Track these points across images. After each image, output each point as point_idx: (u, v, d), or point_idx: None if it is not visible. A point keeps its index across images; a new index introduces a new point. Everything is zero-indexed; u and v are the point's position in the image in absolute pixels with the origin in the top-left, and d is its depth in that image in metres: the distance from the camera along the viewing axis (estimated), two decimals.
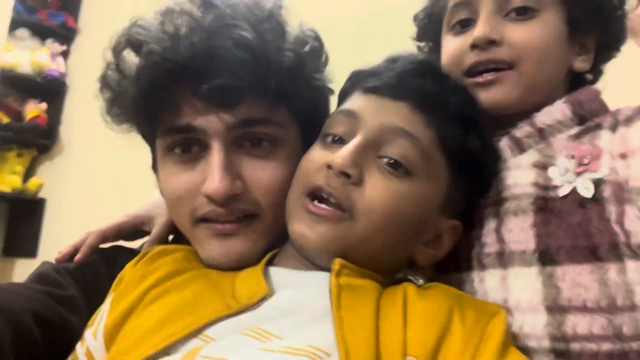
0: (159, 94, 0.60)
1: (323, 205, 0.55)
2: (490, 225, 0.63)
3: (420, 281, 0.63)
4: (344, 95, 0.64)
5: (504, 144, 0.66)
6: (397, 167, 0.56)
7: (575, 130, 0.64)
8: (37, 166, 2.90)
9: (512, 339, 0.57)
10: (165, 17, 0.60)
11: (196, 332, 0.51)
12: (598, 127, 0.62)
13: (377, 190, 0.55)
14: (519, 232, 0.60)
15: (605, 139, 0.60)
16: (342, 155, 0.55)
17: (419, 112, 0.57)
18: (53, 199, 2.73)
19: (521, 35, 0.64)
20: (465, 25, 0.68)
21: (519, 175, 0.63)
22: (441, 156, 0.58)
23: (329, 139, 0.60)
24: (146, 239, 0.76)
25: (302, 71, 0.63)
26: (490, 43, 0.64)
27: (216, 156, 0.60)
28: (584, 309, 0.55)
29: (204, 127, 0.60)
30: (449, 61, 0.69)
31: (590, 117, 0.64)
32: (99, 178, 2.39)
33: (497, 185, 0.65)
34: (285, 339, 0.49)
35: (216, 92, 0.58)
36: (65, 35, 2.93)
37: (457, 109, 0.59)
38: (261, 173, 0.62)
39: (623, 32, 0.70)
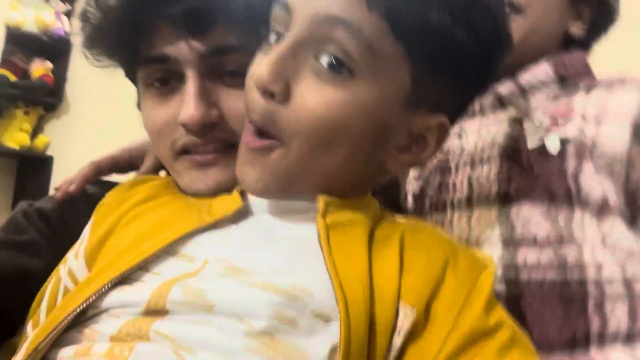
0: (130, 24, 0.61)
1: (252, 139, 0.49)
2: (464, 173, 0.69)
3: None
4: None
5: (488, 100, 0.71)
6: (336, 68, 0.46)
7: (555, 89, 0.68)
8: (44, 124, 2.94)
9: None
10: None
11: (170, 249, 0.50)
12: (575, 87, 0.67)
13: (305, 104, 0.46)
14: (485, 178, 0.66)
15: (578, 99, 0.65)
16: (262, 67, 0.46)
17: None
18: (60, 157, 2.78)
19: None
20: None
21: (495, 128, 0.69)
22: (394, 44, 0.46)
23: (273, 38, 0.50)
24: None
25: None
26: None
27: (190, 85, 0.60)
28: (534, 242, 0.61)
29: (177, 56, 0.60)
30: None
31: (571, 79, 0.68)
32: (105, 135, 2.41)
33: (475, 137, 0.71)
34: (266, 274, 0.47)
35: (185, 17, 0.58)
36: None
37: None
38: (238, 102, 0.60)
39: (616, 12, 0.74)
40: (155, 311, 0.45)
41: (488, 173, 0.67)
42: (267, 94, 0.47)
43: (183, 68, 0.60)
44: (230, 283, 0.46)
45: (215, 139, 0.62)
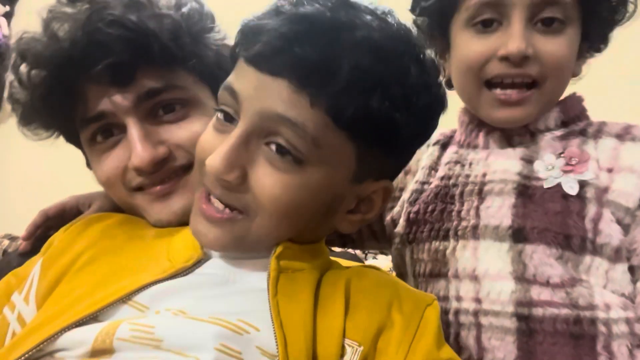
0: (59, 94, 0.63)
1: (215, 207, 0.52)
2: (471, 202, 0.68)
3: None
4: (233, 59, 0.55)
5: (495, 137, 0.71)
6: (285, 157, 0.49)
7: (559, 132, 0.69)
8: None
9: (478, 304, 0.64)
10: (44, 23, 0.63)
11: (126, 298, 0.51)
12: (583, 133, 0.69)
13: (264, 186, 0.49)
14: (497, 209, 0.66)
15: (591, 146, 0.66)
16: (217, 159, 0.49)
17: (301, 91, 0.47)
18: None
19: (552, 50, 0.64)
20: (487, 25, 0.65)
21: (505, 163, 0.69)
22: (338, 133, 0.49)
23: (221, 115, 0.53)
24: None
25: (186, 32, 0.65)
26: (523, 59, 0.63)
27: (133, 130, 0.63)
28: (547, 284, 0.62)
29: (113, 110, 0.63)
30: (469, 64, 0.67)
31: (572, 122, 0.70)
32: (44, 144, 2.31)
33: (483, 169, 0.70)
34: (215, 312, 0.48)
35: (107, 74, 0.61)
36: None
37: (350, 74, 0.47)
38: (181, 133, 0.64)
39: (607, 41, 0.72)
40: (102, 350, 0.46)
41: (500, 206, 0.66)
42: (224, 182, 0.50)
43: (122, 118, 0.63)
44: (179, 319, 0.48)
45: (169, 171, 0.64)
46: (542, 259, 0.62)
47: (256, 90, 0.49)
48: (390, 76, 0.49)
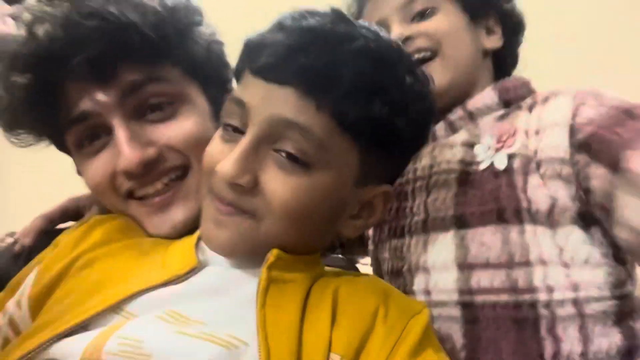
0: (41, 95, 0.61)
1: (225, 209, 0.53)
2: (421, 197, 0.71)
3: None
4: (238, 73, 0.58)
5: (439, 126, 0.75)
6: (293, 161, 0.52)
7: (500, 112, 0.72)
8: None
9: (428, 295, 0.65)
10: (18, 22, 0.61)
11: (116, 307, 0.51)
12: (518, 107, 0.71)
13: (275, 190, 0.52)
14: (442, 201, 0.68)
15: (522, 118, 0.69)
16: (228, 165, 0.51)
17: (308, 97, 0.51)
18: None
19: (431, 25, 0.73)
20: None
21: (448, 153, 0.72)
22: (342, 136, 0.53)
23: (229, 129, 0.55)
24: None
25: (172, 25, 0.63)
26: (407, 39, 0.72)
27: (119, 131, 0.60)
28: (486, 265, 0.63)
29: (96, 108, 0.60)
30: None
31: (515, 101, 0.73)
32: (41, 152, 2.31)
33: (429, 161, 0.73)
34: (205, 324, 0.49)
35: (87, 69, 0.58)
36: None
37: (352, 80, 0.51)
38: (170, 132, 0.62)
39: (519, 16, 0.80)
40: None
41: (444, 197, 0.68)
42: (236, 187, 0.51)
43: (107, 118, 0.61)
44: (168, 332, 0.48)
45: (161, 174, 0.62)
46: (481, 240, 0.63)
47: (264, 98, 0.52)
48: (389, 83, 0.53)
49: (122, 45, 0.59)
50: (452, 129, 0.74)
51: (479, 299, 0.62)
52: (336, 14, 0.55)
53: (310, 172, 0.52)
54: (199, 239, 0.59)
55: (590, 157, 0.61)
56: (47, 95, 0.61)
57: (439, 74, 0.70)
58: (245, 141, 0.52)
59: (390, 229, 0.73)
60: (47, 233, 0.72)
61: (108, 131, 0.62)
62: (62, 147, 0.68)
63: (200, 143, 0.61)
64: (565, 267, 0.61)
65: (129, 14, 0.59)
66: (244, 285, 0.54)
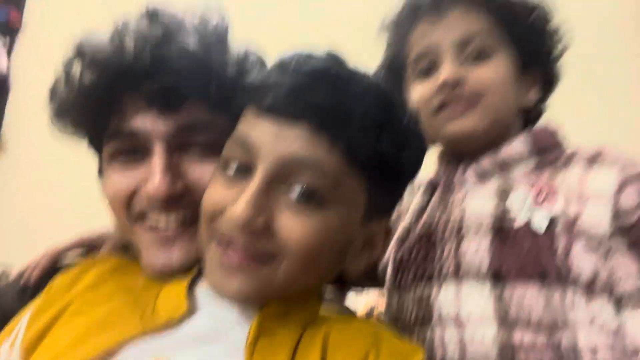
0: (102, 100, 0.62)
1: (237, 254, 0.52)
2: (451, 244, 0.70)
3: None
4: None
5: (470, 173, 0.74)
6: (307, 199, 0.52)
7: (533, 163, 0.72)
8: None
9: (463, 349, 0.63)
10: (114, 33, 0.63)
11: (107, 355, 0.50)
12: (554, 163, 0.71)
13: (291, 229, 0.51)
14: (475, 252, 0.67)
15: (560, 177, 0.68)
16: (240, 207, 0.50)
17: (321, 133, 0.51)
18: None
19: (481, 74, 0.73)
20: (427, 73, 0.76)
21: (480, 202, 0.71)
22: (353, 172, 0.53)
23: (230, 171, 0.55)
24: None
25: (242, 82, 0.64)
26: (456, 83, 0.72)
27: (157, 158, 0.61)
28: (528, 324, 0.62)
29: (147, 130, 0.62)
30: (419, 103, 0.76)
31: (546, 152, 0.73)
32: (43, 180, 2.31)
33: (459, 209, 0.72)
34: None
35: (157, 94, 0.60)
36: (9, 31, 2.81)
37: (363, 117, 0.52)
38: (203, 174, 0.62)
39: (559, 72, 0.81)
40: None
41: (477, 247, 0.67)
42: (250, 230, 0.50)
43: (151, 142, 0.62)
44: None
45: (178, 210, 0.62)
46: (522, 298, 0.63)
47: (275, 137, 0.52)
48: (392, 120, 0.55)
49: (199, 88, 0.61)
50: (483, 177, 0.74)
51: (522, 356, 0.61)
52: (336, 59, 0.57)
53: (324, 209, 0.52)
54: (191, 281, 0.59)
55: (627, 246, 0.62)
56: (108, 102, 0.63)
57: (475, 120, 0.72)
58: (256, 182, 0.51)
59: (416, 275, 0.72)
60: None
61: (147, 152, 0.63)
62: (94, 146, 0.70)
63: None
64: (604, 335, 0.61)
65: (214, 63, 0.62)
66: (235, 330, 0.53)
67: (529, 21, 0.77)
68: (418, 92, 0.78)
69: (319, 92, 0.52)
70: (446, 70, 0.73)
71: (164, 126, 0.62)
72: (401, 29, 0.81)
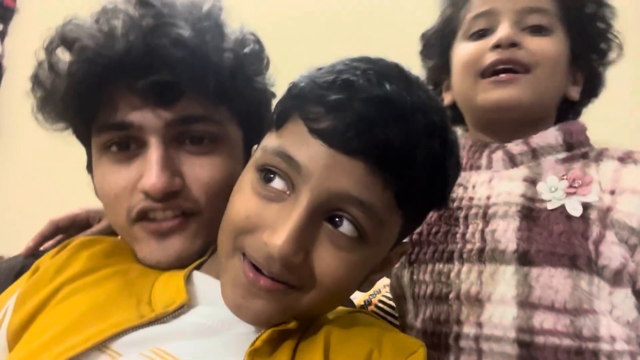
0: (92, 91, 0.59)
1: (265, 281, 0.49)
2: (476, 225, 0.70)
3: None
4: (283, 115, 0.52)
5: (498, 156, 0.74)
6: (349, 235, 0.49)
7: (563, 155, 0.72)
8: None
9: (480, 328, 0.63)
10: (101, 16, 0.59)
11: (101, 345, 0.49)
12: (585, 156, 0.71)
13: (328, 266, 0.49)
14: (502, 233, 0.67)
15: (593, 168, 0.69)
16: (281, 241, 0.46)
17: (377, 173, 0.47)
18: None
19: (539, 44, 0.72)
20: (482, 35, 0.75)
21: (509, 185, 0.71)
22: (397, 212, 0.50)
23: (268, 182, 0.50)
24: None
25: (242, 72, 0.63)
26: (512, 45, 0.71)
27: (154, 152, 0.59)
28: (551, 308, 0.62)
29: (141, 124, 0.59)
30: (466, 60, 0.75)
31: (576, 146, 0.73)
32: (39, 163, 2.29)
33: (487, 191, 0.72)
34: None
35: (153, 89, 0.57)
36: (2, 15, 2.78)
37: (424, 162, 0.48)
38: (200, 170, 0.61)
39: (604, 79, 0.80)
40: None
41: (505, 229, 0.67)
42: (286, 264, 0.47)
43: (146, 135, 0.59)
44: None
45: (176, 206, 0.60)
46: (548, 282, 0.63)
47: (327, 167, 0.47)
48: (450, 157, 0.52)
49: (196, 81, 0.58)
50: (513, 162, 0.74)
51: (540, 339, 0.61)
52: (404, 75, 0.51)
53: (365, 246, 0.50)
54: (189, 273, 0.58)
55: None
56: (97, 93, 0.59)
57: (524, 90, 0.71)
58: (300, 212, 0.47)
59: (435, 252, 0.72)
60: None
61: (141, 145, 0.60)
62: (81, 137, 0.67)
63: (218, 188, 0.61)
64: (621, 325, 0.62)
65: (211, 54, 0.59)
66: (236, 325, 0.51)
67: (591, 15, 0.76)
68: (467, 51, 0.76)
69: (386, 127, 0.46)
70: (504, 30, 0.72)
71: (160, 119, 0.59)
72: None
